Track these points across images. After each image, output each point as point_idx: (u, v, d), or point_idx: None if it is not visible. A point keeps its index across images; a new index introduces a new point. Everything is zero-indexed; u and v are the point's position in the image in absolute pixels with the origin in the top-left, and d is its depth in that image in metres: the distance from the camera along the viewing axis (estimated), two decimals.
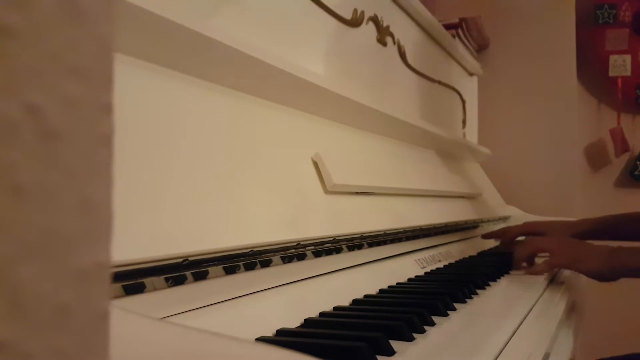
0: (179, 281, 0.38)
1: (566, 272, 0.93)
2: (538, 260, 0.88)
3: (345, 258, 0.62)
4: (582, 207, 1.60)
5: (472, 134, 1.48)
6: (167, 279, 0.37)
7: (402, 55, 0.97)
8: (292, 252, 0.51)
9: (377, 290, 0.62)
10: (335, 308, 0.52)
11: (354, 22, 0.79)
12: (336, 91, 0.64)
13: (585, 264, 0.81)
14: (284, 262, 0.50)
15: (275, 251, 0.48)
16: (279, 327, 0.44)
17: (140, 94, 0.38)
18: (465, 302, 0.59)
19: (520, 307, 0.58)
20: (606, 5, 1.66)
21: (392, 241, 0.74)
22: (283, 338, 0.42)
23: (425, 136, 0.98)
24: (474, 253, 1.03)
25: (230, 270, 0.43)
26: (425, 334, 0.45)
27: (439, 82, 1.19)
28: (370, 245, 0.68)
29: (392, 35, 0.92)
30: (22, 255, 0.11)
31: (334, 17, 0.73)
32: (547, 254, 0.89)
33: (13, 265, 0.11)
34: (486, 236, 1.11)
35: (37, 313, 0.12)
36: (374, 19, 0.85)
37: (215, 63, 0.46)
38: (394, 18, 0.93)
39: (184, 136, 0.41)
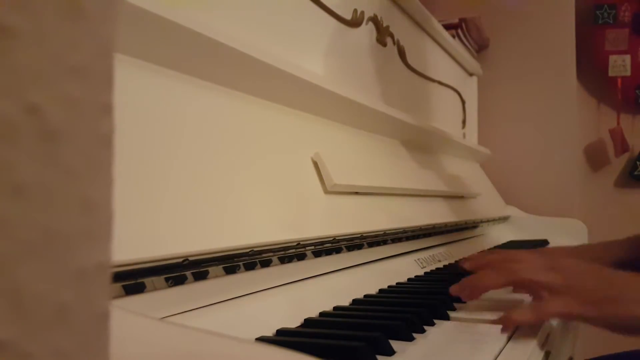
0: (179, 281, 0.38)
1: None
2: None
3: (345, 258, 0.62)
4: (581, 207, 1.60)
5: (471, 134, 1.48)
6: (167, 279, 0.37)
7: (402, 55, 0.97)
8: (292, 252, 0.51)
9: (377, 290, 0.62)
10: (335, 308, 0.52)
11: (354, 22, 0.79)
12: (336, 91, 0.64)
13: (611, 308, 0.44)
14: (284, 262, 0.50)
15: (275, 251, 0.48)
16: (279, 327, 0.44)
17: (140, 94, 0.38)
18: (465, 302, 0.59)
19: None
20: (606, 6, 1.66)
21: (392, 241, 0.74)
22: (283, 338, 0.42)
23: (424, 136, 0.98)
24: (474, 253, 1.03)
25: (230, 270, 0.43)
26: (425, 333, 0.45)
27: (439, 82, 1.19)
28: (370, 245, 0.68)
29: (391, 36, 0.92)
30: (23, 255, 0.11)
31: (333, 17, 0.73)
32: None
33: (13, 265, 0.11)
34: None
35: (37, 313, 0.12)
36: (374, 19, 0.85)
37: (215, 63, 0.46)
38: (393, 18, 0.93)
39: (183, 136, 0.41)
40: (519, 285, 0.52)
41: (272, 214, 0.47)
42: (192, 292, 0.39)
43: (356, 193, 0.65)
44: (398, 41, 0.95)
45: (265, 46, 0.55)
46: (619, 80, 1.66)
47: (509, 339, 0.46)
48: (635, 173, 1.68)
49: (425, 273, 0.76)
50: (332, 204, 0.59)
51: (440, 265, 0.85)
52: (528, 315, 0.47)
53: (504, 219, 1.39)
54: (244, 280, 0.45)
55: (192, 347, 0.18)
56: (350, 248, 0.62)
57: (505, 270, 0.51)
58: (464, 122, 1.43)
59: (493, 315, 0.51)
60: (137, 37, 0.38)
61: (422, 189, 0.85)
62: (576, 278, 0.48)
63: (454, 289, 0.54)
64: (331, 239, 0.56)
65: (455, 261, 0.86)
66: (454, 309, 0.55)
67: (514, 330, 0.48)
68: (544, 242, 1.23)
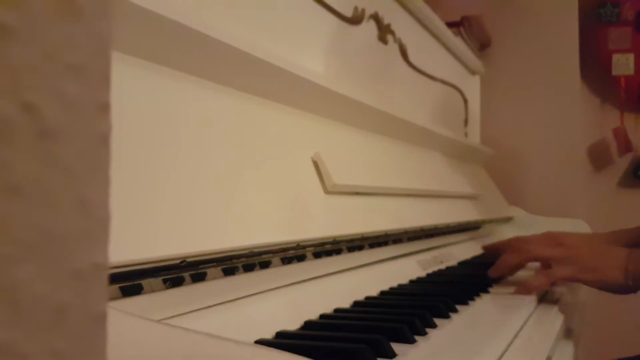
0: (176, 282, 0.38)
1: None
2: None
3: (346, 259, 0.62)
4: (585, 208, 1.60)
5: (474, 134, 1.48)
6: (164, 281, 0.37)
7: (403, 53, 0.97)
8: (292, 253, 0.51)
9: (378, 292, 0.62)
10: (335, 310, 0.52)
11: (355, 19, 0.79)
12: (336, 90, 0.63)
13: (600, 274, 0.60)
14: (284, 264, 0.50)
15: (274, 252, 0.48)
16: (278, 330, 0.44)
17: (139, 93, 0.38)
18: (467, 303, 0.59)
19: (522, 308, 0.58)
20: (609, 4, 1.65)
21: (394, 242, 0.74)
22: (283, 340, 0.41)
23: (426, 136, 0.98)
24: (476, 254, 1.03)
25: (228, 272, 0.43)
26: (426, 336, 0.45)
27: (441, 81, 1.19)
28: (371, 246, 0.67)
29: (393, 33, 0.92)
30: (20, 256, 0.11)
31: (334, 14, 0.73)
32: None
33: (10, 266, 0.11)
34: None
35: (34, 314, 0.12)
36: (375, 17, 0.85)
37: (214, 62, 0.46)
38: (395, 16, 0.92)
39: (182, 136, 0.41)
40: (533, 260, 0.68)
41: (272, 214, 0.47)
42: (190, 293, 0.39)
43: (357, 193, 0.65)
44: (399, 39, 0.94)
45: (265, 44, 0.55)
46: (623, 79, 1.65)
47: (512, 341, 0.46)
48: (639, 173, 1.67)
49: (427, 274, 0.76)
50: (333, 204, 0.59)
51: (443, 266, 0.85)
52: (542, 280, 0.62)
53: (507, 220, 1.39)
54: (242, 281, 0.44)
55: (190, 350, 0.18)
56: (350, 249, 0.62)
57: (520, 252, 0.68)
58: (466, 121, 1.42)
59: (491, 320, 0.51)
60: (135, 36, 0.37)
61: (424, 189, 0.85)
62: (576, 251, 0.62)
63: (490, 272, 0.70)
64: (331, 240, 0.56)
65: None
66: (456, 311, 0.54)
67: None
68: None
